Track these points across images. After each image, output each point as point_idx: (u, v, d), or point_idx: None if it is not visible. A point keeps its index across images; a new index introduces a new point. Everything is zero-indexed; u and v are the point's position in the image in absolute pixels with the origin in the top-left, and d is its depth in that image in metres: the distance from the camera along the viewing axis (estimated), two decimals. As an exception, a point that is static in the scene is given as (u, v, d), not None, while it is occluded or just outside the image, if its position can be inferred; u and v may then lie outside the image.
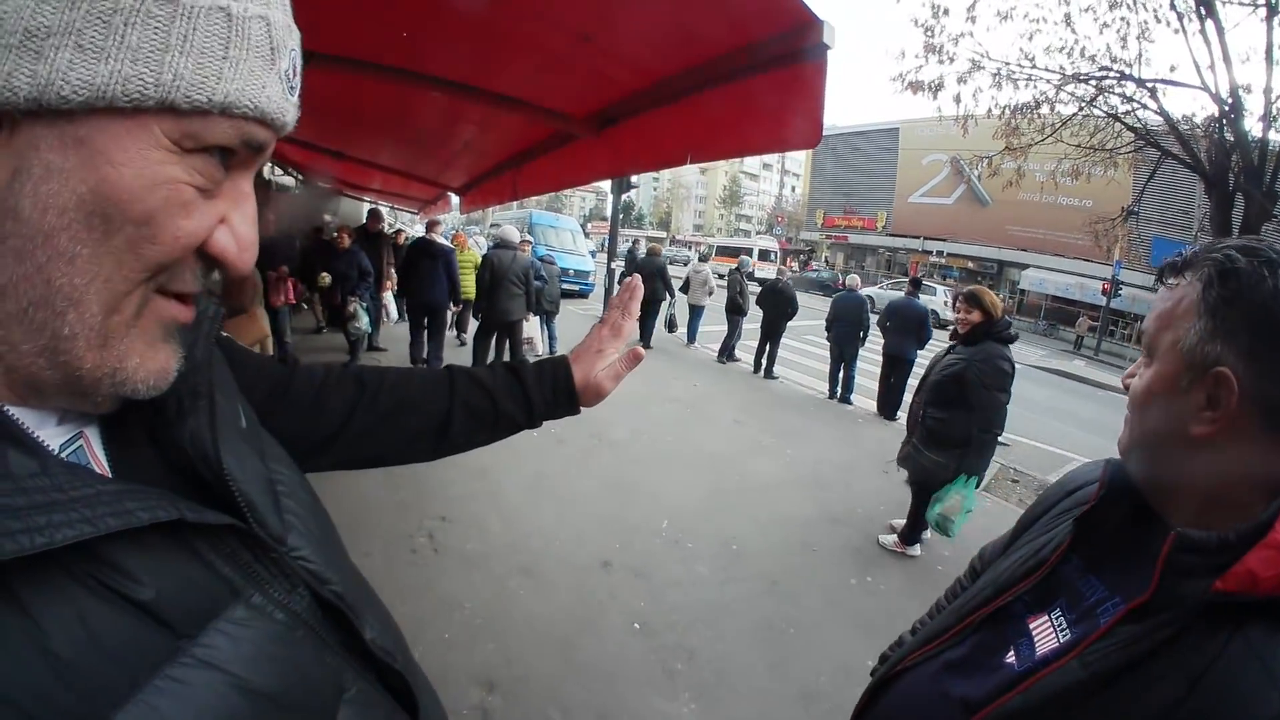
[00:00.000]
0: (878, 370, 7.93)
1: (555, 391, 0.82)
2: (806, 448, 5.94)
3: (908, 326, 7.54)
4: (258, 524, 0.46)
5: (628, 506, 4.23)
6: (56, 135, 0.33)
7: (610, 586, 3.33)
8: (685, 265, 16.39)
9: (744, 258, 10.11)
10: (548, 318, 8.49)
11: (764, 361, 9.00)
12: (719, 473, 5.03)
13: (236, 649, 0.37)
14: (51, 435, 0.39)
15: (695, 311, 10.36)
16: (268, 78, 0.39)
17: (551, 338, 8.57)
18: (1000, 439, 3.79)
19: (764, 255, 31.00)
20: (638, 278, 0.86)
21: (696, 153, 1.91)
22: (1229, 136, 4.65)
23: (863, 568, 3.92)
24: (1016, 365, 3.66)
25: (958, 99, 5.67)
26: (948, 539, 3.72)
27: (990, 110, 5.68)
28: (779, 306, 8.70)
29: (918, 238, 33.94)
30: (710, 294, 10.23)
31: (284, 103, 0.41)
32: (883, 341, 7.75)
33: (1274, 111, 4.48)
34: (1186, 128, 4.99)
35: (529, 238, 8.18)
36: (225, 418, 0.49)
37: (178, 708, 0.33)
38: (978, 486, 3.64)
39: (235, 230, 0.41)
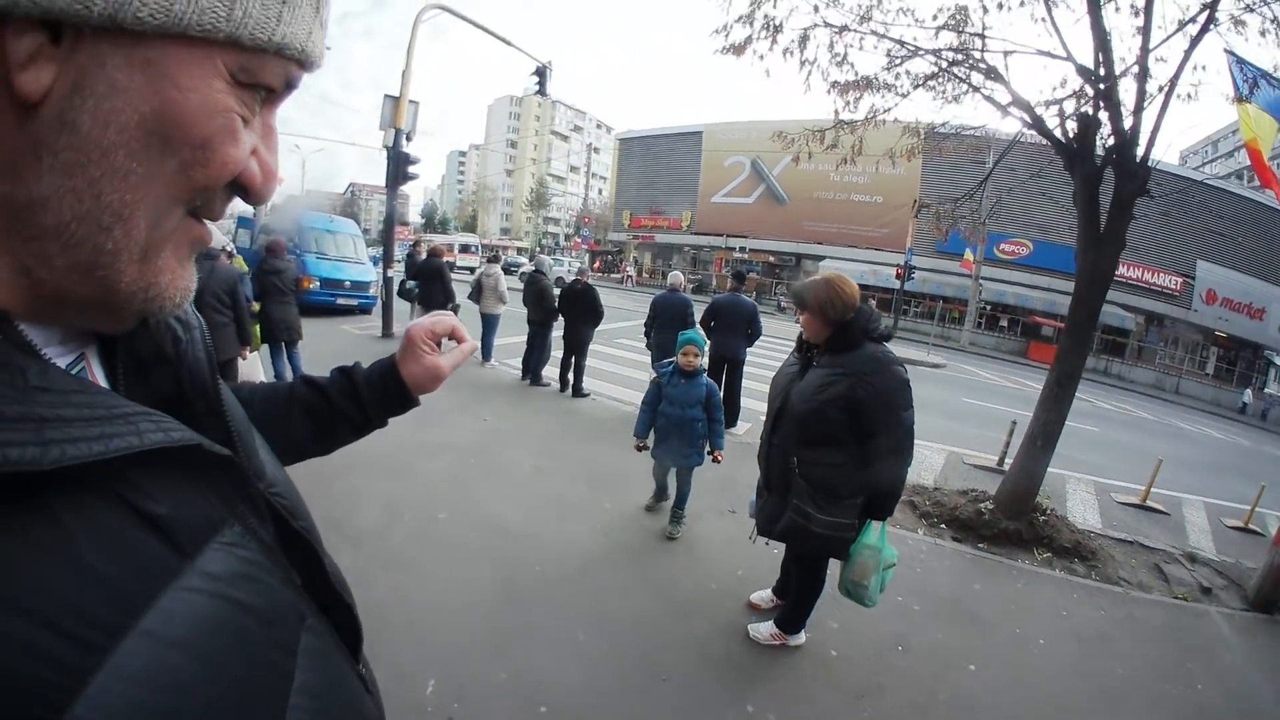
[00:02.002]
0: (705, 377, 6.90)
1: (384, 383, 0.86)
2: (630, 494, 4.57)
3: (735, 324, 6.65)
4: (245, 458, 0.48)
5: (370, 655, 2.54)
6: (124, 55, 0.34)
7: None
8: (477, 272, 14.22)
9: (541, 256, 8.61)
10: (285, 347, 6.28)
11: (570, 378, 7.61)
12: (512, 560, 3.49)
13: (226, 567, 0.38)
14: (57, 355, 0.39)
15: (488, 323, 8.57)
16: (313, 24, 0.42)
17: (296, 371, 6.35)
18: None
19: (464, 249, 33.77)
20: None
21: None
22: (1102, 111, 4.33)
23: (742, 690, 2.68)
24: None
25: (800, 46, 4.80)
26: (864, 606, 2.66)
27: (827, 75, 4.93)
28: (582, 313, 7.34)
29: (721, 235, 35.42)
30: (504, 301, 8.55)
31: (321, 47, 0.44)
32: (708, 343, 6.81)
33: (1146, 92, 4.25)
34: (1041, 102, 4.70)
35: (227, 247, 5.96)
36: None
37: (188, 614, 0.34)
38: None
39: (263, 160, 0.42)
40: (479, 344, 1.52)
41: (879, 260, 29.30)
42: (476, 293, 8.54)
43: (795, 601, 2.91)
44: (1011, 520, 4.57)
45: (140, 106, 0.34)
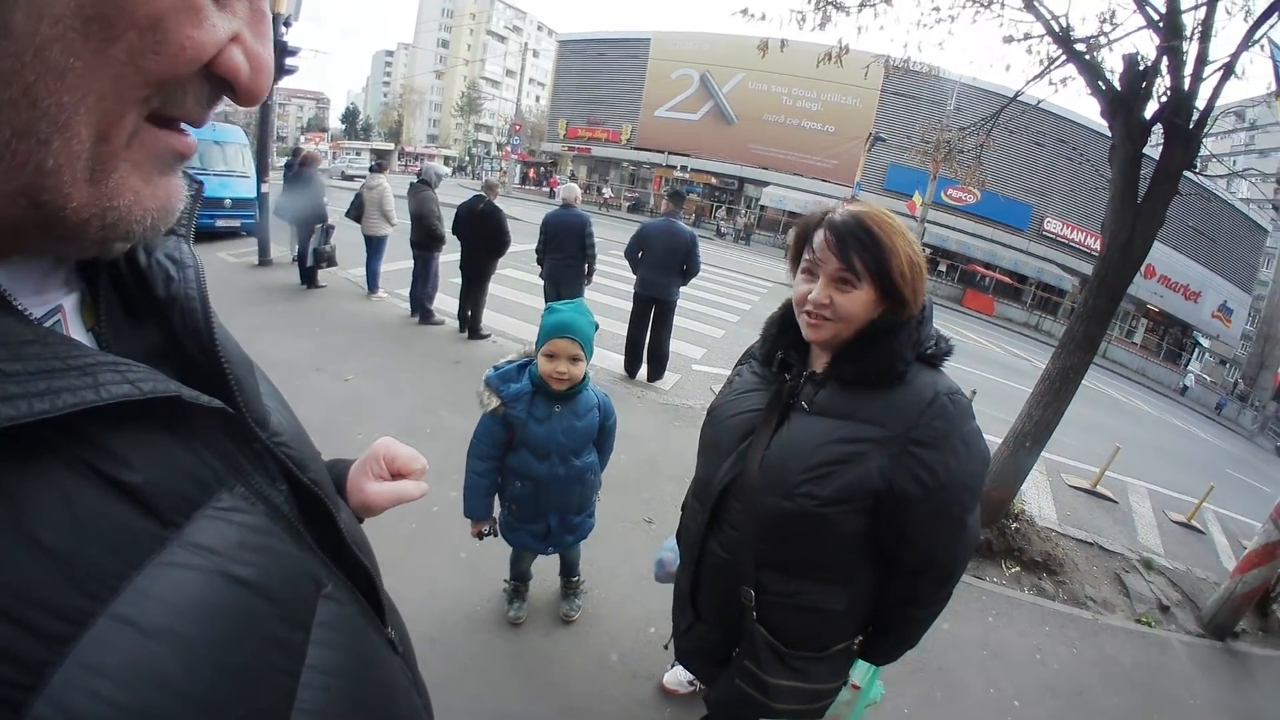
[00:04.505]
0: (624, 316, 5.79)
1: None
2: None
3: (669, 258, 5.45)
4: (245, 407, 0.42)
5: None
6: None
7: None
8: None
9: (429, 164, 7.01)
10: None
11: (469, 314, 6.29)
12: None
13: (223, 538, 0.34)
14: (31, 306, 0.34)
15: (373, 245, 7.08)
16: None
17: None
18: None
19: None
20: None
21: None
22: (1161, 58, 3.38)
23: None
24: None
25: None
26: None
27: None
28: (481, 238, 5.95)
29: (662, 152, 33.48)
30: (391, 221, 7.00)
31: None
32: (634, 279, 5.61)
33: (1207, 52, 3.36)
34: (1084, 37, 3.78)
35: None
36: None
37: (172, 595, 0.31)
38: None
39: (249, 49, 0.35)
40: (425, 491, 0.72)
41: (825, 192, 28.33)
42: (357, 210, 6.96)
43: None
44: (984, 528, 3.81)
45: None
